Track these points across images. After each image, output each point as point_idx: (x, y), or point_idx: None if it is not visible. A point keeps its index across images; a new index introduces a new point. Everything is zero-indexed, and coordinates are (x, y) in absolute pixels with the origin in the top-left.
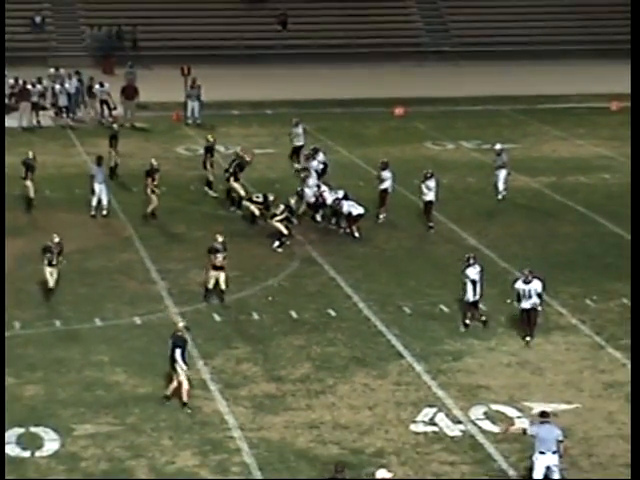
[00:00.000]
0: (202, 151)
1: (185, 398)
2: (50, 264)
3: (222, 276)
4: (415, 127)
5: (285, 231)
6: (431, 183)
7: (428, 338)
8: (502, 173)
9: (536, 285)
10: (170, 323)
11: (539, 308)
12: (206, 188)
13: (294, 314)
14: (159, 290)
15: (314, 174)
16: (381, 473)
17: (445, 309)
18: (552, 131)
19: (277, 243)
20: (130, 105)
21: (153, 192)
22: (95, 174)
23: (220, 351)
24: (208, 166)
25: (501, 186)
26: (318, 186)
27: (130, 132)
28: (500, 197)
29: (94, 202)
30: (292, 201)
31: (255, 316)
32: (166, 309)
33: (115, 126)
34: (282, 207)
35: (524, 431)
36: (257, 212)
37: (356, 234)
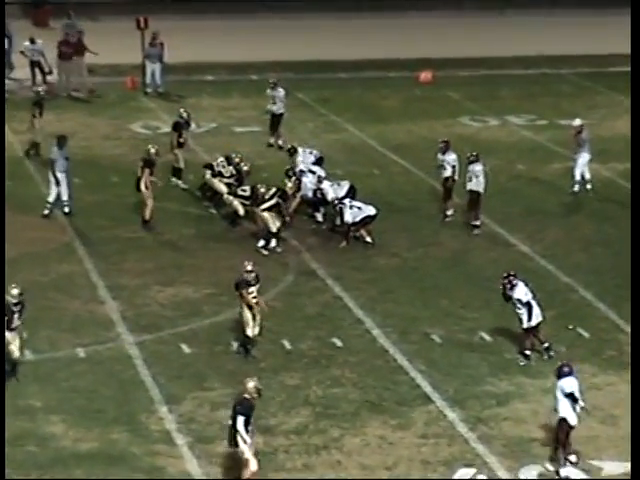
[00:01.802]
0: (168, 129)
1: None
2: (9, 328)
3: (257, 317)
4: (447, 97)
5: (273, 228)
6: (477, 167)
7: (464, 376)
8: (583, 157)
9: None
10: (124, 356)
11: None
12: (173, 178)
13: (287, 344)
14: (109, 313)
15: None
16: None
17: (486, 337)
18: (627, 102)
19: (262, 242)
20: (69, 68)
21: (147, 188)
22: (55, 159)
23: (190, 393)
24: (176, 149)
25: (579, 175)
26: (318, 178)
27: (70, 104)
28: (576, 189)
29: (52, 196)
30: (288, 184)
31: (235, 346)
32: (118, 337)
33: (40, 90)
34: (273, 190)
35: None
36: (242, 211)
37: (368, 239)
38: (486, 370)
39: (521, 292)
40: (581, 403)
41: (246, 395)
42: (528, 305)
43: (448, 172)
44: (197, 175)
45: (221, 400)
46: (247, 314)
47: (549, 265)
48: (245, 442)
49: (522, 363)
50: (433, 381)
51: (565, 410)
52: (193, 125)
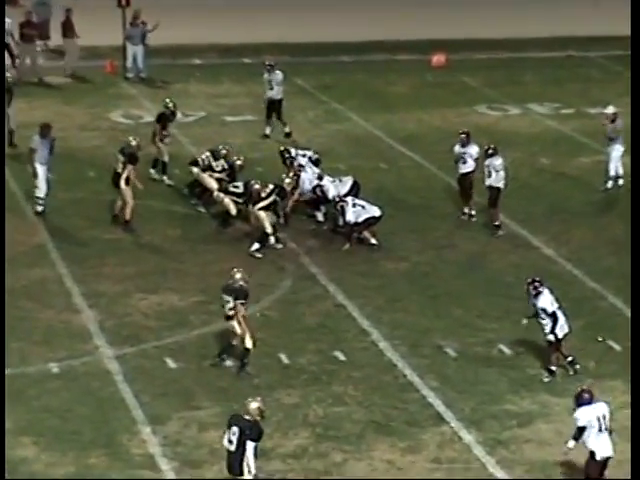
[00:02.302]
0: (151, 118)
1: None
2: None
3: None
4: (462, 83)
5: (269, 229)
6: (496, 161)
7: (481, 393)
8: (617, 150)
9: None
10: (103, 372)
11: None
12: (152, 170)
13: (285, 358)
14: (85, 323)
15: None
16: None
17: (506, 350)
18: None
19: (256, 245)
20: (30, 51)
21: (127, 184)
22: (37, 149)
23: (176, 413)
24: (158, 141)
25: (613, 170)
26: (318, 174)
27: (42, 91)
28: (610, 185)
29: (42, 191)
30: (287, 180)
31: (227, 361)
32: (96, 351)
33: (9, 76)
34: (271, 187)
35: None
36: (234, 210)
37: (373, 240)
38: (506, 387)
39: (546, 301)
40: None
41: (248, 417)
42: (553, 316)
43: (470, 166)
44: (183, 170)
45: (210, 420)
46: (244, 324)
47: (576, 270)
48: (250, 472)
49: (546, 379)
50: (447, 399)
51: (592, 442)
52: (179, 114)
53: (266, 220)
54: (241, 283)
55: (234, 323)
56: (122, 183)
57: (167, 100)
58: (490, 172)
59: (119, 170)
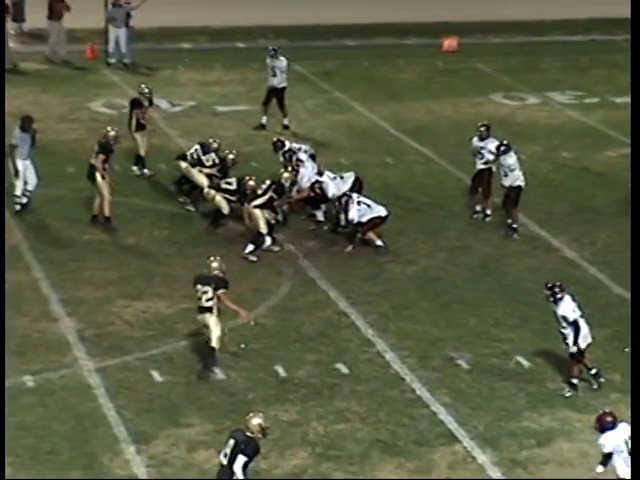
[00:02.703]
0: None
1: None
2: None
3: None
4: (476, 69)
5: (264, 229)
6: (509, 160)
7: (497, 410)
8: None
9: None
10: (82, 386)
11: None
12: (134, 167)
13: (282, 371)
14: (64, 332)
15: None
16: None
17: (524, 362)
18: None
19: (250, 247)
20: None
21: (104, 178)
22: (18, 143)
23: (162, 431)
24: (133, 132)
25: None
26: (318, 169)
27: (17, 78)
28: None
29: (19, 189)
30: (285, 175)
31: (218, 374)
32: (75, 363)
33: None
34: (267, 183)
35: None
36: (226, 208)
37: (378, 242)
38: (524, 402)
39: (568, 308)
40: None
41: (249, 433)
42: (575, 324)
43: (487, 163)
44: (170, 165)
45: (200, 439)
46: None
47: (600, 274)
48: None
49: (568, 394)
50: (459, 416)
51: (621, 467)
52: (166, 104)
53: (261, 219)
54: (217, 272)
55: (210, 317)
56: (98, 177)
57: (142, 85)
58: (506, 172)
59: (92, 161)
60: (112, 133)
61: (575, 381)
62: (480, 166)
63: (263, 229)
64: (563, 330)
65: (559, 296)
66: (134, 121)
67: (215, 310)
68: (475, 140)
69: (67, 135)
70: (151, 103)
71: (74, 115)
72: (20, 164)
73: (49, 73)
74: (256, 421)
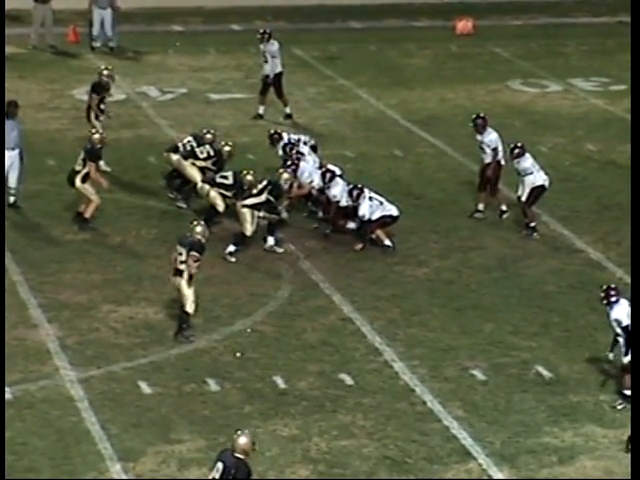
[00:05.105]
0: (122, 96)
1: None
2: None
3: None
4: (492, 54)
5: (249, 231)
6: (525, 164)
7: (515, 424)
8: None
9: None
10: (64, 398)
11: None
12: (102, 162)
13: (281, 382)
14: (43, 340)
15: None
16: None
17: (545, 373)
18: None
19: (232, 247)
20: None
21: (83, 181)
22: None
23: (151, 447)
24: (93, 119)
25: None
26: (320, 163)
27: None
28: None
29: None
30: (285, 176)
31: (212, 385)
32: (56, 373)
33: None
34: (264, 183)
35: None
36: (221, 205)
37: (387, 242)
38: (544, 416)
39: (622, 312)
40: None
41: (237, 454)
42: (625, 330)
43: (489, 157)
44: (160, 158)
45: (192, 456)
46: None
47: (627, 276)
48: None
49: (620, 406)
50: (474, 431)
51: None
52: (156, 91)
53: (248, 222)
54: (199, 237)
55: (182, 281)
56: (77, 181)
57: (102, 67)
58: (522, 179)
59: (78, 168)
60: (96, 136)
61: (628, 392)
62: (485, 160)
63: (248, 232)
64: (618, 338)
65: (614, 299)
66: (95, 107)
67: (186, 274)
68: (481, 132)
69: (47, 125)
70: (109, 86)
71: (55, 103)
72: (7, 153)
73: (27, 57)
74: (244, 440)
